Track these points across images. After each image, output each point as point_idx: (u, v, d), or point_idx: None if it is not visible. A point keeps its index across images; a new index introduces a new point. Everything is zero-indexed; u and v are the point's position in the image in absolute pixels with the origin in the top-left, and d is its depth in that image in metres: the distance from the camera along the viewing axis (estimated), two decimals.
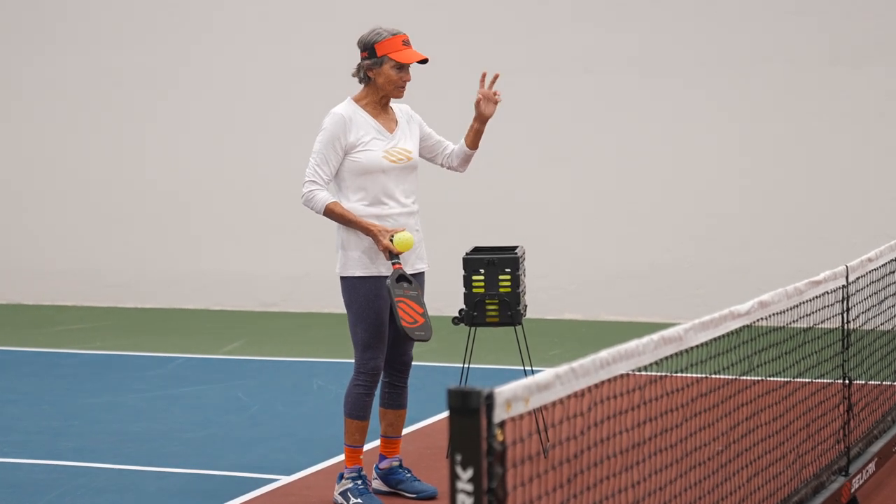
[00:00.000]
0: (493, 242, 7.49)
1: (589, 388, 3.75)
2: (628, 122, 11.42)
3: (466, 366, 6.98)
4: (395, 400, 6.32)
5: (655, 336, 4.09)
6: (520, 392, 3.31)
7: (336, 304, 6.28)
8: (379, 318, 6.06)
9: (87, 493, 6.53)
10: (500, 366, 9.02)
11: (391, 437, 6.37)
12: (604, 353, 3.77)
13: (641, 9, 11.37)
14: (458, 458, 3.13)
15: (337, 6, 12.10)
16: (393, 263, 5.96)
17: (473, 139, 6.39)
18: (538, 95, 11.60)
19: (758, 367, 5.35)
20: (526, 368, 6.78)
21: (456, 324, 6.67)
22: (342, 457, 6.34)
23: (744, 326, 4.85)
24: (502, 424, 3.21)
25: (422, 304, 5.95)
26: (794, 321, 5.54)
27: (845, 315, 6.07)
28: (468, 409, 3.13)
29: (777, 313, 5.18)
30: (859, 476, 6.00)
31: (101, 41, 12.74)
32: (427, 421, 7.77)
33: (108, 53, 12.70)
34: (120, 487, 6.64)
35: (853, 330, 6.22)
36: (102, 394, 8.93)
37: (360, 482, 6.15)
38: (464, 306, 6.68)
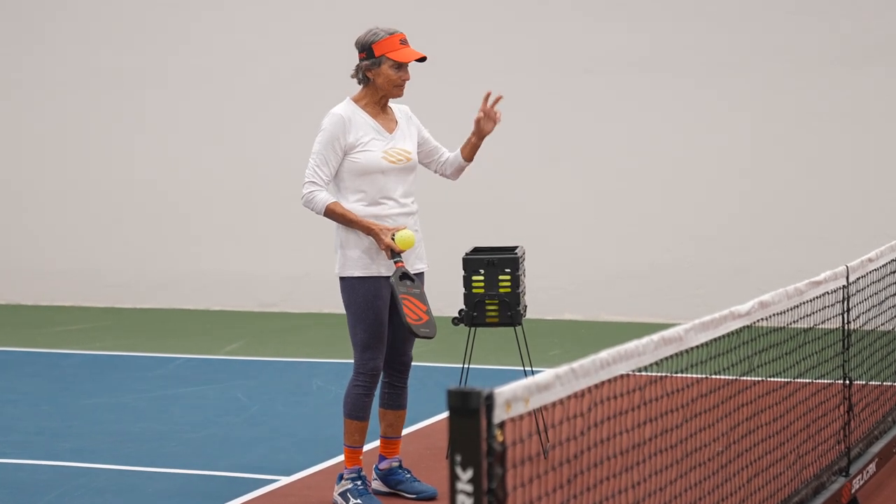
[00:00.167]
0: (492, 242, 7.48)
1: (589, 389, 3.75)
2: (628, 123, 11.42)
3: (466, 366, 6.98)
4: (395, 400, 6.32)
5: (656, 336, 4.08)
6: (520, 392, 3.31)
7: (336, 304, 6.27)
8: (378, 318, 6.06)
9: (87, 494, 6.53)
10: (500, 366, 9.01)
11: (391, 438, 6.36)
12: (604, 354, 3.76)
13: (642, 9, 11.37)
14: (458, 458, 3.13)
15: (337, 6, 12.09)
16: (395, 262, 5.97)
17: (469, 152, 6.41)
18: (538, 95, 11.59)
19: (758, 367, 5.34)
20: (526, 369, 6.77)
21: (456, 324, 6.67)
22: (342, 457, 6.33)
23: (744, 327, 4.84)
24: (502, 425, 3.21)
25: (425, 302, 5.97)
26: (794, 321, 5.53)
27: (846, 315, 6.07)
28: (468, 409, 3.13)
29: (777, 314, 5.17)
30: (860, 477, 5.99)
31: (102, 41, 12.74)
32: (427, 421, 7.77)
33: (109, 53, 12.70)
34: (119, 488, 6.64)
35: (854, 330, 6.22)
36: (102, 394, 8.92)
37: (359, 483, 6.15)
38: (463, 306, 6.67)
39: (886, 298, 6.99)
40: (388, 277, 6.05)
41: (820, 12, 10.94)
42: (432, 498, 6.29)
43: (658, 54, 11.30)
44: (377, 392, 6.28)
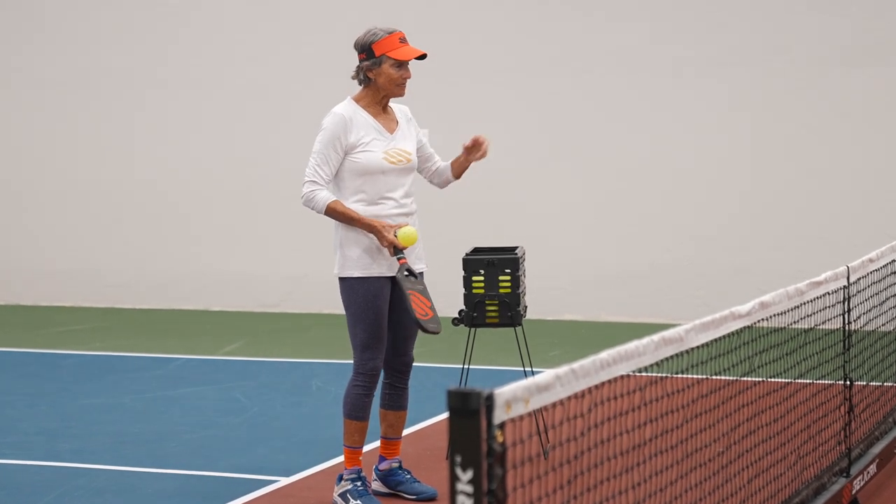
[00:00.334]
0: (492, 243, 7.47)
1: (589, 390, 3.74)
2: (628, 123, 11.41)
3: (466, 367, 6.97)
4: (396, 401, 6.31)
5: (656, 337, 4.07)
6: (520, 393, 3.30)
7: (335, 304, 6.26)
8: (378, 318, 6.05)
9: (86, 495, 6.51)
10: (500, 367, 9.00)
11: (391, 439, 6.35)
12: (604, 354, 3.76)
13: (642, 9, 11.36)
14: (458, 459, 3.12)
15: (338, 5, 12.08)
16: (398, 258, 5.98)
17: (457, 170, 6.42)
18: (538, 95, 11.59)
19: (759, 368, 5.34)
20: (526, 369, 6.76)
21: (456, 324, 6.66)
22: (342, 458, 6.32)
23: (745, 327, 4.83)
24: (502, 426, 3.20)
25: (429, 298, 5.99)
26: (795, 322, 5.53)
27: (846, 316, 6.06)
28: (468, 410, 3.12)
29: (778, 314, 5.16)
30: (860, 477, 5.98)
31: (102, 40, 12.73)
32: (427, 422, 7.76)
33: (109, 53, 12.69)
34: (119, 489, 6.63)
35: (854, 331, 6.21)
36: (101, 395, 8.91)
37: (359, 483, 6.14)
38: (463, 307, 6.67)
39: (887, 299, 6.99)
40: (388, 277, 6.05)
41: (820, 12, 10.93)
42: (432, 499, 6.28)
43: (658, 54, 11.28)
44: (378, 393, 6.27)
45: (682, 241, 11.31)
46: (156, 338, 11.19)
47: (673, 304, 11.27)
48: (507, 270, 6.61)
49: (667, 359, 4.18)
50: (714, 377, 4.89)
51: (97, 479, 6.81)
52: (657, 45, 11.30)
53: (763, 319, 5.00)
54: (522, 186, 11.67)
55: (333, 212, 6.01)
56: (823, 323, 5.90)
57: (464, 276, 6.66)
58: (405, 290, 5.91)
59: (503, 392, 3.21)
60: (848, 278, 5.95)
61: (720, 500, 4.95)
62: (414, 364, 6.36)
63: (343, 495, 6.14)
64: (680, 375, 4.53)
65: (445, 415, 3.19)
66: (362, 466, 6.21)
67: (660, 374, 4.35)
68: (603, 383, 3.80)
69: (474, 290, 6.63)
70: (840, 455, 5.92)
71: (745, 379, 5.23)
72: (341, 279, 6.11)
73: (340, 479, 6.20)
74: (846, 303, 6.03)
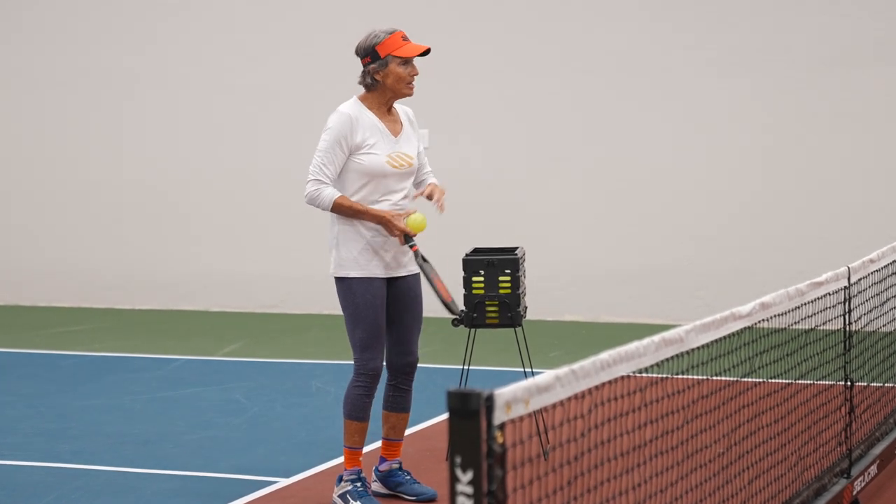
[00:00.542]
0: (492, 243, 7.46)
1: (589, 390, 3.73)
2: (628, 123, 11.40)
3: (466, 367, 6.96)
4: (399, 403, 6.30)
5: (656, 338, 4.06)
6: (520, 394, 3.29)
7: (335, 305, 6.25)
8: (377, 318, 6.04)
9: (85, 496, 6.50)
10: (500, 367, 9.00)
11: (392, 440, 6.34)
12: (604, 355, 3.75)
13: (642, 9, 11.35)
14: (458, 460, 3.11)
15: (338, 5, 12.07)
16: (410, 246, 6.01)
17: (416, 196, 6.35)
18: (538, 95, 11.58)
19: (759, 368, 5.33)
20: (526, 370, 6.75)
21: (456, 325, 6.64)
22: (342, 459, 6.31)
23: (745, 328, 4.83)
24: (502, 426, 3.19)
25: (442, 282, 6.03)
26: (795, 323, 5.52)
27: (847, 317, 6.05)
28: (468, 411, 3.11)
29: (778, 315, 5.15)
30: (861, 478, 5.98)
31: (102, 40, 12.72)
32: (427, 423, 7.75)
33: (109, 53, 12.68)
34: (118, 490, 6.62)
35: (855, 332, 6.20)
36: (101, 396, 8.90)
37: (359, 484, 6.13)
38: (463, 307, 6.65)
39: (888, 300, 6.98)
40: (384, 278, 6.06)
41: (819, 12, 10.92)
42: (432, 500, 6.27)
43: (658, 55, 11.28)
44: (380, 394, 6.26)
45: (683, 241, 11.30)
46: (155, 338, 11.18)
47: (673, 304, 11.26)
48: (507, 271, 6.60)
49: (667, 359, 4.18)
50: (715, 378, 4.88)
51: (96, 479, 6.80)
52: (657, 46, 11.29)
53: (764, 320, 5.00)
54: (522, 186, 11.66)
55: (340, 207, 6.00)
56: (824, 324, 5.89)
57: (464, 277, 6.64)
58: (429, 275, 5.99)
59: (503, 393, 3.20)
60: (849, 279, 5.94)
61: (721, 502, 4.94)
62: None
63: (343, 496, 6.13)
64: (680, 376, 4.52)
65: (445, 416, 3.18)
66: (362, 467, 6.20)
67: (660, 375, 4.34)
68: (603, 384, 3.79)
69: (474, 291, 6.62)
70: (841, 456, 5.92)
71: (745, 380, 5.22)
72: (338, 279, 6.10)
73: (340, 479, 6.19)
74: (847, 303, 6.02)
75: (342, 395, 6.22)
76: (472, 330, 6.73)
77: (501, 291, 6.60)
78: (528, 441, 3.64)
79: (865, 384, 6.50)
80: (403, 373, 6.26)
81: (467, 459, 3.10)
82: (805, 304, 5.44)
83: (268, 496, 6.47)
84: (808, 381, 5.81)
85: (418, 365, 6.34)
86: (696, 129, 11.26)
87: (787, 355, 5.64)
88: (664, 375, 4.37)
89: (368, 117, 6.08)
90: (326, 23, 12.06)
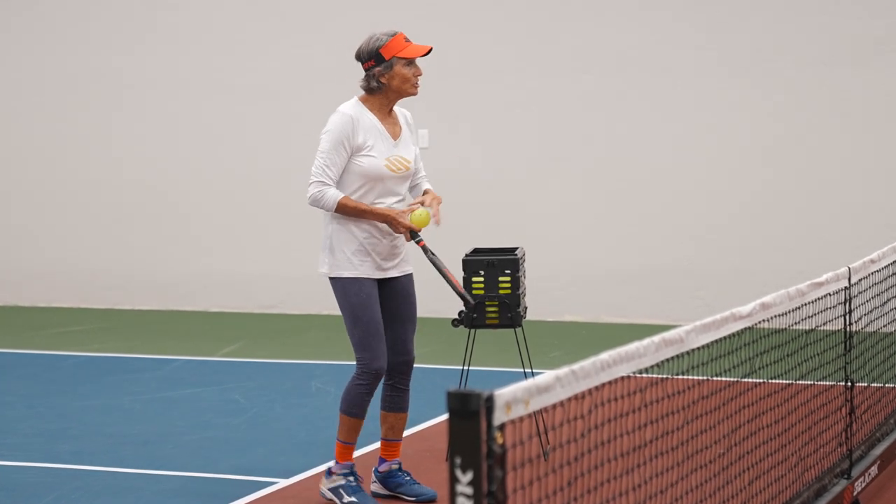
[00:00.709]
0: (492, 243, 7.45)
1: (589, 391, 3.72)
2: (628, 123, 11.39)
3: (466, 368, 6.95)
4: (397, 403, 6.29)
5: (656, 338, 4.05)
6: (520, 394, 3.28)
7: (334, 305, 6.24)
8: (373, 316, 6.05)
9: (84, 497, 6.50)
10: (500, 368, 8.99)
11: (391, 441, 6.34)
12: (604, 355, 3.74)
13: (642, 10, 11.34)
14: (458, 461, 3.10)
15: (339, 5, 12.07)
16: (416, 241, 6.04)
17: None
18: (538, 95, 11.57)
19: (759, 369, 5.32)
20: (526, 370, 6.74)
21: (455, 325, 6.63)
22: None
23: (745, 328, 4.82)
24: (502, 427, 3.18)
25: (451, 273, 6.14)
26: (796, 323, 5.51)
27: (848, 317, 6.05)
28: (468, 411, 3.10)
29: (779, 315, 5.14)
30: (862, 479, 5.97)
31: (102, 40, 12.71)
32: (427, 423, 7.74)
33: (108, 53, 12.68)
34: (117, 490, 6.61)
35: (856, 332, 6.19)
36: (99, 396, 8.89)
37: (352, 479, 6.13)
38: (463, 308, 6.64)
39: (889, 300, 6.97)
40: (378, 279, 6.09)
41: (819, 12, 10.91)
42: (432, 500, 6.26)
43: (658, 55, 11.27)
44: (378, 394, 6.26)
45: (683, 241, 11.30)
46: (155, 339, 11.17)
47: (673, 305, 11.25)
48: (507, 271, 6.60)
49: (667, 360, 4.17)
50: (715, 378, 4.88)
51: (95, 480, 6.79)
52: (657, 47, 11.29)
53: (764, 320, 4.99)
54: (522, 186, 11.65)
55: (345, 207, 5.99)
56: (825, 324, 5.88)
57: (464, 277, 6.63)
58: (441, 268, 6.04)
59: (503, 393, 3.20)
60: (849, 279, 5.93)
61: (722, 502, 4.93)
62: (414, 365, 6.35)
63: (336, 490, 6.13)
64: (681, 377, 4.51)
65: (445, 416, 3.17)
66: (354, 462, 6.19)
67: (660, 376, 4.33)
68: (603, 384, 3.78)
69: (474, 291, 6.61)
70: (841, 457, 5.91)
71: (746, 380, 5.21)
72: (334, 280, 6.09)
73: (330, 473, 6.18)
74: (847, 304, 6.01)
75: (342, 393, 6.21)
76: (472, 330, 6.73)
77: (501, 292, 6.59)
78: (528, 442, 3.63)
79: (866, 385, 6.50)
80: (400, 372, 6.26)
81: (467, 460, 3.09)
82: (805, 304, 5.44)
83: (267, 496, 6.46)
84: (809, 382, 5.80)
85: (417, 365, 6.33)
86: (696, 129, 11.25)
87: (788, 356, 5.64)
88: (664, 376, 4.36)
89: (369, 119, 6.08)
90: (326, 23, 12.05)
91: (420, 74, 6.10)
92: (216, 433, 7.80)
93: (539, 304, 10.79)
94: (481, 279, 6.60)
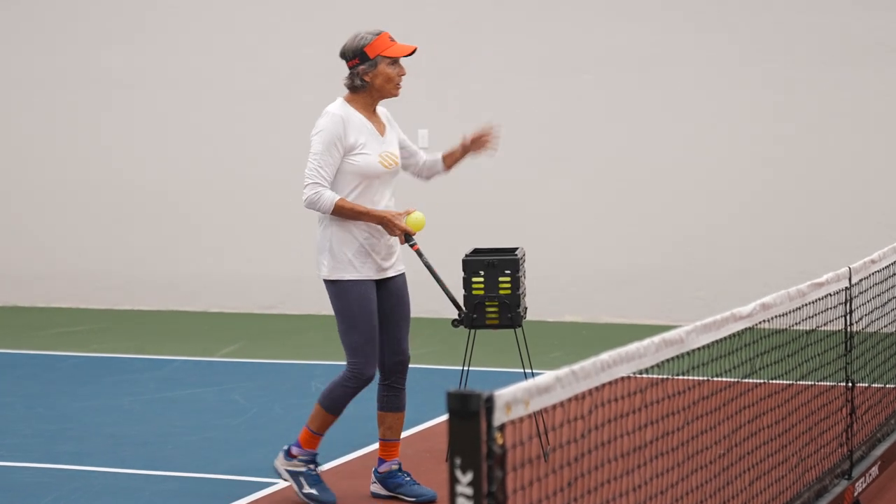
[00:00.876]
0: (492, 244, 7.44)
1: (590, 391, 3.71)
2: (629, 123, 11.39)
3: (466, 368, 6.94)
4: (394, 403, 6.28)
5: (657, 338, 4.05)
6: (520, 395, 3.27)
7: None
8: (371, 321, 6.05)
9: (83, 497, 6.49)
10: (500, 368, 8.98)
11: (390, 441, 6.33)
12: (604, 356, 3.73)
13: (642, 9, 11.33)
14: (458, 461, 3.09)
15: (334, 6, 12.06)
16: (411, 245, 6.04)
17: (451, 163, 6.41)
18: (538, 95, 11.57)
19: (760, 369, 5.32)
20: (526, 371, 6.74)
21: (455, 326, 6.63)
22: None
23: (746, 329, 4.81)
24: (502, 427, 3.18)
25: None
26: (796, 323, 5.50)
27: (848, 317, 6.04)
28: (468, 412, 3.10)
29: (779, 315, 5.14)
30: (862, 480, 5.96)
31: (102, 40, 12.70)
32: (426, 424, 7.73)
33: (109, 53, 12.67)
34: (116, 491, 6.60)
35: (856, 332, 6.19)
36: (99, 397, 8.88)
37: (313, 467, 6.17)
38: (463, 308, 6.64)
39: (889, 300, 6.96)
40: (375, 280, 6.09)
41: (819, 11, 10.90)
42: (432, 501, 6.26)
43: (658, 55, 11.26)
44: (375, 395, 6.26)
45: (683, 241, 11.29)
46: (154, 339, 11.16)
47: (674, 305, 11.24)
48: (507, 271, 6.59)
49: (668, 360, 4.16)
50: (715, 379, 4.87)
51: (95, 481, 6.78)
52: (658, 46, 11.28)
53: (764, 321, 4.98)
54: (522, 186, 11.64)
55: (341, 209, 5.99)
56: (825, 324, 5.88)
57: (463, 278, 6.63)
58: (436, 273, 6.12)
59: (503, 394, 3.19)
60: (850, 279, 5.93)
61: (721, 502, 4.92)
62: (413, 366, 6.36)
63: (296, 476, 6.18)
64: (681, 377, 4.50)
65: (445, 417, 3.16)
66: (317, 452, 6.23)
67: (661, 376, 4.32)
68: (604, 385, 3.77)
69: (474, 292, 6.60)
70: (842, 457, 5.90)
71: (746, 381, 5.21)
72: (332, 282, 6.09)
73: (289, 455, 6.20)
74: (848, 304, 6.01)
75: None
76: (472, 331, 6.72)
77: (501, 292, 6.58)
78: (528, 442, 3.62)
79: (867, 385, 6.49)
80: (396, 372, 6.26)
81: (467, 461, 3.09)
82: (806, 304, 5.43)
83: (267, 497, 6.46)
84: (810, 382, 5.79)
85: (417, 365, 6.34)
86: (697, 130, 11.24)
87: (788, 356, 5.63)
88: (665, 376, 4.35)
89: (358, 118, 6.10)
90: (326, 23, 12.04)
91: (403, 74, 6.12)
92: (216, 434, 7.79)
93: (539, 304, 10.79)
94: (481, 279, 6.59)
